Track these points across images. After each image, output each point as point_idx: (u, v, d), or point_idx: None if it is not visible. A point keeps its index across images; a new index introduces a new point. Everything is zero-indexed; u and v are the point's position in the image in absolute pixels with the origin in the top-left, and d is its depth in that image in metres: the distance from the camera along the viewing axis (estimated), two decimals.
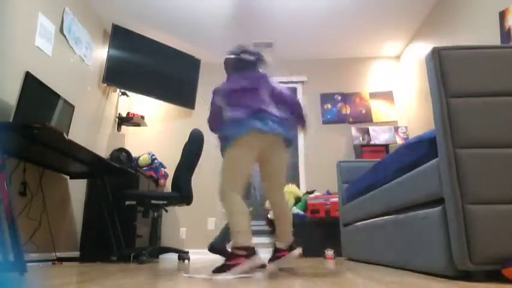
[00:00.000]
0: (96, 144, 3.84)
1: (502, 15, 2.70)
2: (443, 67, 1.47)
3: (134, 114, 4.32)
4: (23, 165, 2.67)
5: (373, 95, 4.75)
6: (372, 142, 4.39)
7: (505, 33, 2.67)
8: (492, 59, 1.47)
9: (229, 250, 1.94)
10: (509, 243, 1.27)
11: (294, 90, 4.85)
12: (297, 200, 3.99)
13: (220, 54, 4.78)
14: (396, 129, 4.47)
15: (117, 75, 4.02)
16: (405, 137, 4.40)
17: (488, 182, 1.34)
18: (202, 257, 3.97)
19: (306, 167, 4.53)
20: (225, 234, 2.79)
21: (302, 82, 4.83)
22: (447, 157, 1.38)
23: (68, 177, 3.28)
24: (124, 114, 4.36)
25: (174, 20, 4.06)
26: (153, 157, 4.18)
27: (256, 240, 4.32)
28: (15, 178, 2.59)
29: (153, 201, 3.03)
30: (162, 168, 4.22)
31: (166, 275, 1.84)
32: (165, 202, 3.09)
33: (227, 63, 2.38)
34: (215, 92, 2.29)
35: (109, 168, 3.17)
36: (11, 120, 2.45)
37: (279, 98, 2.11)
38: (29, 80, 2.66)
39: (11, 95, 2.54)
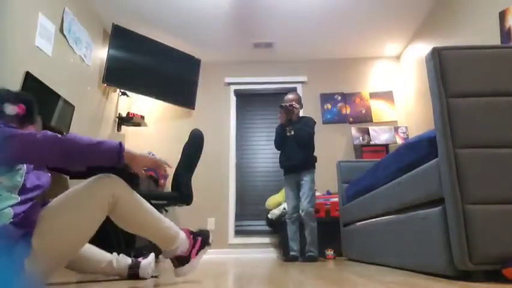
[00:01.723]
0: None
1: (502, 15, 2.70)
2: (443, 67, 1.47)
3: (134, 114, 4.32)
4: None
5: (373, 95, 4.75)
6: (372, 142, 4.39)
7: (505, 33, 2.67)
8: (492, 59, 1.47)
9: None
10: (509, 243, 1.27)
11: (294, 90, 4.84)
12: None
13: (220, 54, 4.79)
14: (396, 129, 4.47)
15: (117, 75, 4.02)
16: (405, 137, 4.40)
17: (488, 182, 1.34)
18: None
19: None
20: (315, 242, 3.09)
21: (302, 82, 4.83)
22: (447, 157, 1.38)
23: (68, 177, 3.27)
24: (124, 114, 4.35)
25: (174, 20, 4.05)
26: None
27: (256, 240, 4.32)
28: None
29: (153, 201, 3.02)
30: None
31: (165, 275, 1.84)
32: (165, 202, 3.09)
33: None
34: None
35: (109, 168, 3.16)
36: None
37: None
38: (29, 80, 2.66)
39: None
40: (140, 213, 1.37)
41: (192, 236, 1.50)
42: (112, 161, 1.26)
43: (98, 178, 1.31)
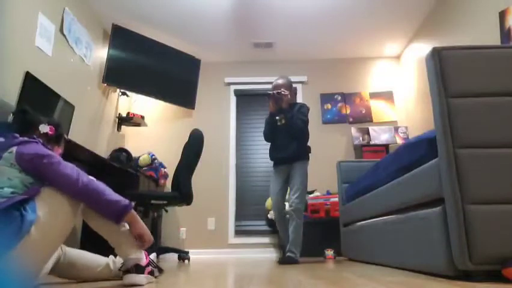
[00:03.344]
0: (96, 144, 3.84)
1: (502, 15, 2.70)
2: (443, 67, 1.47)
3: (134, 114, 4.32)
4: None
5: (373, 95, 4.75)
6: (372, 142, 4.39)
7: (505, 33, 2.67)
8: (492, 59, 1.47)
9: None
10: (509, 243, 1.27)
11: (294, 90, 4.83)
12: None
13: (220, 54, 4.79)
14: (396, 129, 4.47)
15: (117, 75, 4.02)
16: (405, 137, 4.40)
17: (488, 182, 1.34)
18: (202, 257, 3.97)
19: None
20: (298, 242, 2.78)
21: (302, 82, 4.83)
22: (447, 157, 1.38)
23: None
24: (124, 114, 4.35)
25: (174, 20, 4.05)
26: (153, 157, 4.18)
27: (256, 240, 4.32)
28: None
29: (153, 201, 3.03)
30: (162, 168, 4.22)
31: (165, 275, 1.84)
32: (165, 202, 3.09)
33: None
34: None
35: (109, 168, 3.17)
36: None
37: None
38: (29, 80, 2.66)
39: (11, 95, 2.54)
40: None
41: (148, 257, 1.55)
42: (113, 215, 1.37)
43: None
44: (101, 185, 1.38)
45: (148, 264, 1.50)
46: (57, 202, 1.32)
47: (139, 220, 1.44)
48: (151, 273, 1.53)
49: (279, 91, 2.91)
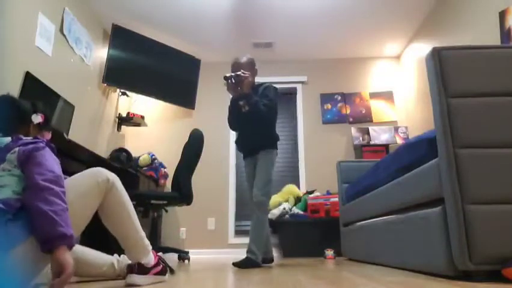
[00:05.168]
0: (96, 144, 3.84)
1: (502, 15, 2.70)
2: (443, 67, 1.47)
3: (134, 114, 4.32)
4: None
5: (373, 95, 4.75)
6: (372, 142, 4.39)
7: (505, 33, 2.67)
8: (492, 59, 1.47)
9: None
10: (509, 243, 1.27)
11: (294, 90, 4.85)
12: (297, 200, 3.99)
13: (220, 54, 4.79)
14: (396, 129, 4.47)
15: (117, 75, 4.02)
16: (405, 137, 4.40)
17: (488, 182, 1.34)
18: (202, 257, 3.97)
19: (306, 167, 4.52)
20: (260, 240, 2.48)
21: (302, 82, 4.83)
22: (447, 157, 1.38)
23: (67, 177, 3.28)
24: (124, 114, 4.35)
25: (174, 20, 4.05)
26: (153, 157, 4.18)
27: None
28: None
29: (153, 201, 3.03)
30: (162, 168, 4.22)
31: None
32: (165, 202, 3.09)
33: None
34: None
35: (109, 168, 3.16)
36: None
37: None
38: (29, 80, 2.66)
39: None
40: (126, 210, 1.45)
41: (157, 257, 1.54)
42: (44, 236, 1.10)
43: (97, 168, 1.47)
44: (62, 206, 1.16)
45: (156, 265, 1.50)
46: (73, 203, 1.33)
47: (66, 262, 1.08)
48: (162, 272, 1.52)
49: (238, 73, 2.49)
